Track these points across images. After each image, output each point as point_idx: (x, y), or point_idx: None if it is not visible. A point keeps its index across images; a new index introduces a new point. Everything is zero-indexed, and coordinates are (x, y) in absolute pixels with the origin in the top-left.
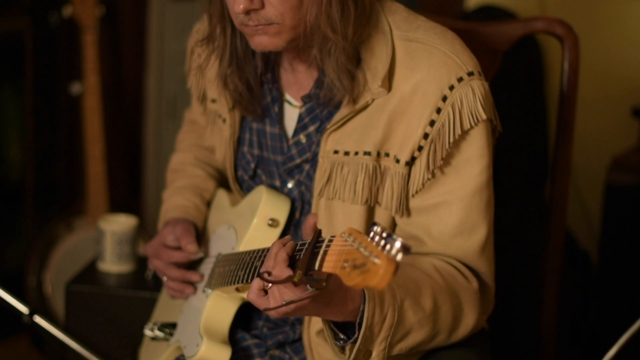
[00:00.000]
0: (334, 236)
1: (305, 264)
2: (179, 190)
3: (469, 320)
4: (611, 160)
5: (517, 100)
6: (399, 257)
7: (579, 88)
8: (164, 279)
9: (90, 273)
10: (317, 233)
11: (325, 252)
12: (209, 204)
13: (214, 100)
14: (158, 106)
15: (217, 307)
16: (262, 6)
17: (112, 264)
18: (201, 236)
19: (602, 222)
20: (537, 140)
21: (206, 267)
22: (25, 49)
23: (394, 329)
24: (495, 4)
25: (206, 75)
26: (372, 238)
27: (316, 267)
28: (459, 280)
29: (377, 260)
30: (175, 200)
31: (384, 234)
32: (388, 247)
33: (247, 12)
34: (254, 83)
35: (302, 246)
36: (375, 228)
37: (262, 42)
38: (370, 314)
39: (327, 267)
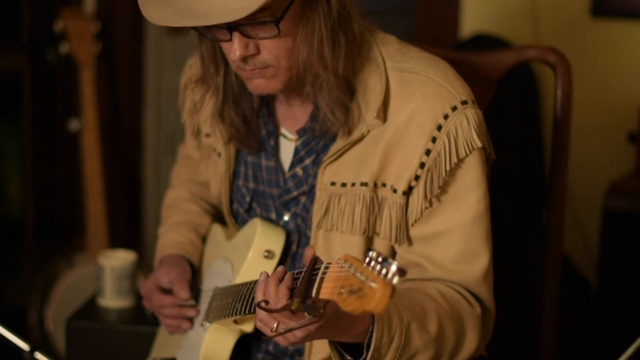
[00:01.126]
0: (330, 263)
1: (302, 292)
2: (174, 226)
3: (470, 345)
4: (608, 185)
5: (514, 128)
6: (395, 280)
7: (573, 114)
8: (160, 316)
9: (90, 309)
10: (313, 261)
11: (322, 279)
12: (204, 238)
13: (208, 135)
14: (156, 141)
15: (216, 340)
16: (258, 51)
17: (112, 299)
18: (197, 273)
19: (600, 247)
20: (534, 167)
21: (203, 301)
22: (23, 87)
23: (401, 350)
24: (490, 33)
25: (200, 112)
26: (368, 263)
27: (313, 295)
28: (462, 305)
29: (373, 284)
30: (171, 236)
31: (380, 259)
32: (384, 271)
33: (244, 59)
34: (251, 117)
35: (298, 274)
36: (370, 253)
37: (259, 85)
38: (379, 335)
39: (324, 294)
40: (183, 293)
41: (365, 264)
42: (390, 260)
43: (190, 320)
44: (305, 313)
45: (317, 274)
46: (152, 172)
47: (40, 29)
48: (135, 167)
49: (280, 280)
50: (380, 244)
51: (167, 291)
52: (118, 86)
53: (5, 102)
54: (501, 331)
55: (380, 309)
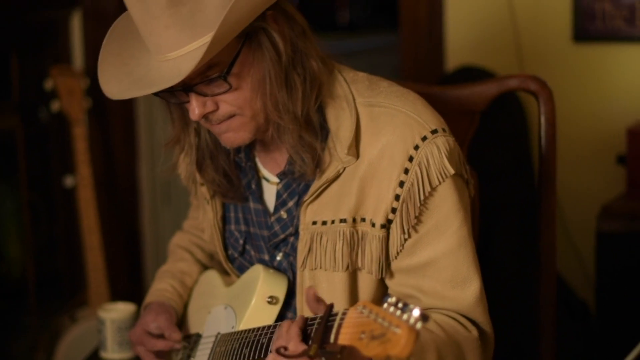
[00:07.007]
0: (347, 309)
1: (319, 337)
2: (162, 274)
3: None
4: (600, 208)
5: (505, 158)
6: (419, 325)
7: (561, 140)
8: None
9: None
10: (329, 307)
11: (339, 325)
12: (193, 286)
13: (202, 184)
14: (152, 193)
15: None
16: (217, 107)
17: (114, 352)
18: (179, 319)
19: (596, 270)
20: (526, 195)
21: (204, 347)
22: (17, 146)
23: None
24: (474, 65)
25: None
26: (387, 309)
27: (331, 340)
28: (459, 330)
29: (397, 330)
30: (156, 284)
31: (400, 304)
32: (405, 316)
33: (205, 116)
34: (229, 169)
35: (313, 320)
36: (389, 299)
37: (229, 139)
38: None
39: (344, 340)
40: (175, 335)
41: (384, 310)
42: (411, 305)
43: None
44: (323, 358)
45: (334, 320)
46: (150, 223)
47: (30, 88)
48: (132, 219)
49: (300, 327)
50: (365, 278)
51: (157, 336)
52: (111, 140)
53: (0, 162)
54: (503, 358)
55: (406, 354)
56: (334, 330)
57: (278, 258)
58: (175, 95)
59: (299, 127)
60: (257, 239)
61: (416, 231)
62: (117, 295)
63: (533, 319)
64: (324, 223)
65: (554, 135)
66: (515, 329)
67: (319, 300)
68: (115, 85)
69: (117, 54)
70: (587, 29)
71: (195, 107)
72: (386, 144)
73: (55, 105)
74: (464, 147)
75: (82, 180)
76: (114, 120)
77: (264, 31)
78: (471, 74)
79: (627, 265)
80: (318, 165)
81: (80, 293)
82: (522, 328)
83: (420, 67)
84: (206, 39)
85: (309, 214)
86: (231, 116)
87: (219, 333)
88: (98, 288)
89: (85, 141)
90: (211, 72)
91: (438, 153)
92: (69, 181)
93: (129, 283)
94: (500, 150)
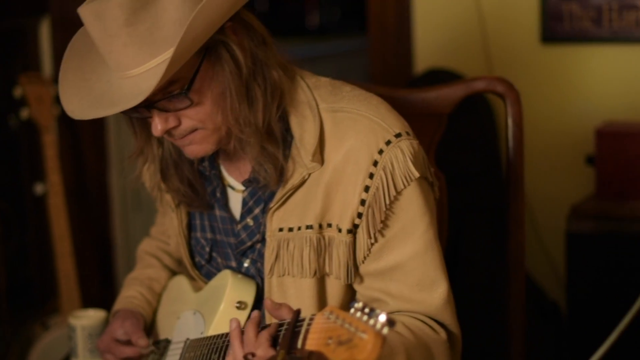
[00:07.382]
0: (314, 315)
1: (287, 343)
2: (130, 281)
3: None
4: (570, 209)
5: (474, 160)
6: (385, 330)
7: (530, 141)
8: None
9: None
10: (297, 312)
11: (307, 331)
12: (162, 292)
13: (167, 191)
14: (123, 199)
15: None
16: (179, 122)
17: (85, 359)
18: (148, 325)
19: (566, 271)
20: (496, 198)
21: (173, 353)
22: None
23: None
24: (443, 67)
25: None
26: (354, 314)
27: (299, 346)
28: (428, 333)
29: (364, 335)
30: (124, 292)
31: (366, 310)
32: (372, 321)
33: (168, 132)
34: (194, 178)
35: (280, 326)
36: (355, 305)
37: (192, 151)
38: None
39: (311, 345)
40: (142, 341)
41: (351, 315)
42: (377, 311)
43: None
44: None
45: (301, 326)
46: (121, 230)
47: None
48: (103, 226)
49: (258, 324)
50: (333, 284)
51: (125, 343)
52: (81, 147)
53: None
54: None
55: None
56: (301, 336)
57: (245, 265)
58: (137, 111)
59: (260, 139)
60: (224, 247)
61: (383, 235)
62: (88, 302)
63: (503, 320)
64: (290, 230)
65: (521, 136)
66: (486, 331)
67: (279, 306)
68: (77, 103)
69: (78, 68)
70: (555, 30)
71: (158, 124)
72: (350, 149)
73: (24, 113)
74: (432, 150)
75: (52, 188)
76: (84, 128)
77: (224, 44)
78: (440, 77)
79: (597, 265)
80: (281, 174)
81: (52, 300)
82: (492, 330)
83: (389, 71)
84: (166, 55)
85: (275, 221)
86: (193, 130)
87: (188, 339)
88: (69, 295)
89: (55, 148)
90: (172, 88)
91: (402, 157)
92: (39, 189)
93: (101, 290)
94: (469, 153)
